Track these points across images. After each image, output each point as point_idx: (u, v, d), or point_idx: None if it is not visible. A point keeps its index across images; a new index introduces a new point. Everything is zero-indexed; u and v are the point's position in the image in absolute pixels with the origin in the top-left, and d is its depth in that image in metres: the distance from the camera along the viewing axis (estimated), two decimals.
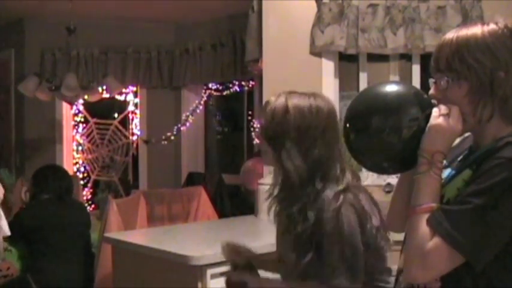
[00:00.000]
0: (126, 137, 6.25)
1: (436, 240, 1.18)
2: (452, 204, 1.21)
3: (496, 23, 1.25)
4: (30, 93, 5.00)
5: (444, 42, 1.27)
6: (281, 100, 1.67)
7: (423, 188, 1.24)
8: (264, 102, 1.72)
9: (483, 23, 1.27)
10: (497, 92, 1.22)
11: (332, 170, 1.63)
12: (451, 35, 1.27)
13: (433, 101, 1.30)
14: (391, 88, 1.33)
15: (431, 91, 1.31)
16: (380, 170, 1.39)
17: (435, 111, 1.26)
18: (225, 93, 6.03)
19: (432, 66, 1.30)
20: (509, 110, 1.24)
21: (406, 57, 3.66)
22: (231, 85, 5.92)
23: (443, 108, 1.26)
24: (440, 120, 1.24)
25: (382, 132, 1.26)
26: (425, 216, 1.21)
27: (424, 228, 1.20)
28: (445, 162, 1.37)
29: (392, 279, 1.53)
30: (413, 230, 1.22)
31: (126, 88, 6.09)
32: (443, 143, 1.25)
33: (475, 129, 1.30)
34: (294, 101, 1.65)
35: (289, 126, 1.63)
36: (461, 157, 1.36)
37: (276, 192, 1.68)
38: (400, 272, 1.36)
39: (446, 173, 1.33)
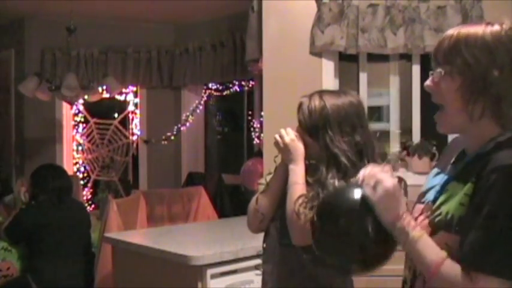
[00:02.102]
0: (126, 137, 6.25)
1: (479, 276, 1.14)
2: (473, 236, 1.15)
3: (501, 24, 1.24)
4: (30, 93, 5.00)
5: (445, 36, 1.27)
6: (315, 98, 1.85)
7: (422, 251, 1.20)
8: (298, 104, 1.88)
9: (488, 23, 1.25)
10: (490, 90, 1.21)
11: (375, 150, 1.87)
12: (453, 30, 1.27)
13: (358, 178, 1.30)
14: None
15: (427, 82, 1.30)
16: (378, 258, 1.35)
17: (367, 191, 1.25)
18: (225, 93, 6.03)
19: (432, 59, 1.30)
20: (501, 111, 1.22)
21: (406, 57, 3.65)
22: (231, 85, 5.92)
23: (368, 181, 1.25)
24: (376, 196, 1.23)
25: (350, 235, 1.26)
26: (447, 268, 1.17)
27: (455, 275, 1.16)
28: (436, 169, 1.37)
29: None
30: (448, 284, 1.18)
31: (126, 88, 6.09)
32: (394, 206, 1.23)
33: (465, 129, 1.28)
34: (327, 97, 1.84)
35: (329, 117, 1.81)
36: (453, 159, 1.34)
37: (329, 177, 1.77)
38: (404, 282, 1.35)
39: (438, 179, 1.32)
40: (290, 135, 1.86)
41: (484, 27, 1.24)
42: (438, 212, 1.24)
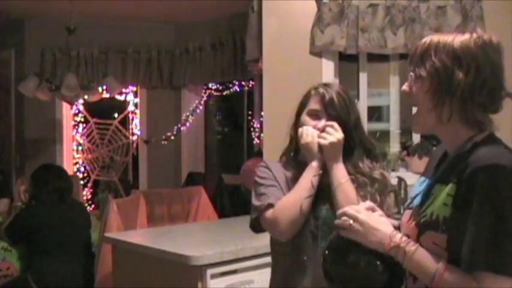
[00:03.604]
0: (126, 137, 6.25)
1: (481, 276, 1.17)
2: (468, 238, 1.19)
3: (472, 33, 1.30)
4: (30, 93, 5.00)
5: (419, 43, 1.36)
6: (341, 92, 1.84)
7: (421, 263, 1.25)
8: (322, 93, 1.84)
9: (460, 32, 1.32)
10: (455, 92, 1.26)
11: None
12: (427, 37, 1.35)
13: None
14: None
15: (403, 87, 1.38)
16: None
17: (349, 235, 1.36)
18: (225, 93, 6.03)
19: (408, 65, 1.38)
20: (467, 114, 1.27)
21: (406, 57, 3.65)
22: (231, 85, 5.93)
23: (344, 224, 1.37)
24: (357, 234, 1.34)
25: (359, 269, 1.36)
26: (450, 274, 1.21)
27: (459, 279, 1.20)
28: (423, 177, 1.43)
29: None
30: None
31: (126, 88, 6.09)
32: (378, 232, 1.32)
33: (438, 130, 1.34)
34: (349, 92, 1.88)
35: (355, 109, 1.85)
36: (436, 163, 1.40)
37: (361, 164, 1.82)
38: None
39: (424, 185, 1.37)
40: (339, 133, 1.79)
41: (455, 35, 1.31)
42: (424, 213, 1.28)
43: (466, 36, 1.29)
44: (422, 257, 1.25)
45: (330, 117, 1.81)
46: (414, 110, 1.38)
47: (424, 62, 1.30)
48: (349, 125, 1.82)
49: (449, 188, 1.24)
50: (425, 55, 1.31)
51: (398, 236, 1.29)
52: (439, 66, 1.28)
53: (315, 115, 1.84)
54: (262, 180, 1.89)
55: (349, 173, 1.80)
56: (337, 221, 1.39)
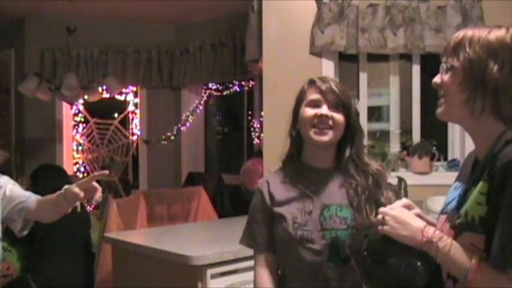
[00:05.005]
0: (126, 137, 6.25)
1: None
2: (499, 234, 1.17)
3: (508, 28, 1.29)
4: (30, 93, 5.00)
5: (455, 35, 1.33)
6: (332, 79, 1.87)
7: (455, 259, 1.23)
8: (318, 84, 1.81)
9: (495, 27, 1.30)
10: (489, 85, 1.24)
11: None
12: (461, 31, 1.33)
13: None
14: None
15: (434, 79, 1.36)
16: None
17: (385, 230, 1.34)
18: (225, 93, 6.03)
19: (441, 58, 1.36)
20: (500, 108, 1.25)
21: (406, 57, 3.66)
22: (231, 85, 5.93)
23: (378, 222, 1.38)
24: (392, 230, 1.33)
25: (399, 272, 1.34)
26: (484, 271, 1.19)
27: (493, 277, 1.18)
28: (457, 183, 1.39)
29: None
30: (488, 286, 1.19)
31: (126, 88, 6.09)
32: (412, 227, 1.31)
33: (467, 123, 1.32)
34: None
35: (352, 98, 1.84)
36: (470, 167, 1.37)
37: (351, 150, 1.81)
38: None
39: (459, 190, 1.34)
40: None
41: (491, 29, 1.29)
42: (457, 214, 1.26)
43: (502, 31, 1.28)
44: (456, 253, 1.22)
45: (330, 104, 1.77)
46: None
47: (458, 53, 1.29)
48: (352, 111, 1.80)
49: (480, 186, 1.22)
50: (459, 46, 1.29)
51: (431, 231, 1.27)
52: (474, 58, 1.26)
53: (314, 104, 1.79)
54: (250, 213, 1.96)
55: (350, 174, 1.77)
56: (373, 219, 1.40)
